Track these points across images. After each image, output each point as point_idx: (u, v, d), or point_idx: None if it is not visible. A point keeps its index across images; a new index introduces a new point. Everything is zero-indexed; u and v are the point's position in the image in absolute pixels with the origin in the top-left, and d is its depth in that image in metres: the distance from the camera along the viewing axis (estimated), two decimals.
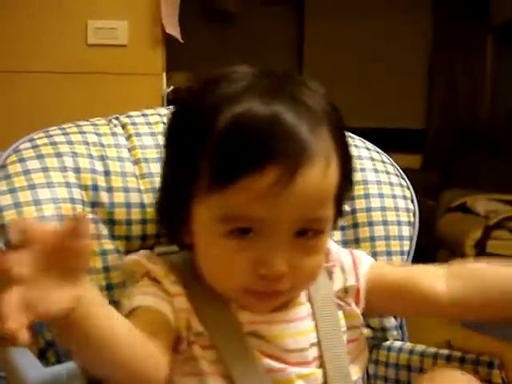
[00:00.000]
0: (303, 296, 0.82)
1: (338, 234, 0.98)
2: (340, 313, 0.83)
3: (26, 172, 0.83)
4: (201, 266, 0.77)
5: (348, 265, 0.85)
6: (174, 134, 0.78)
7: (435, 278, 0.82)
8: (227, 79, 0.73)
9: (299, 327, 0.79)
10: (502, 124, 4.55)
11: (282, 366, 0.76)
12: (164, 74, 1.99)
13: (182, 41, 2.01)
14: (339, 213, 0.80)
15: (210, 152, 0.70)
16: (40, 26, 1.91)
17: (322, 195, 0.72)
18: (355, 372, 0.82)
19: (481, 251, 3.20)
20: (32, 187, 0.82)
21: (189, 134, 0.73)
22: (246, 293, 0.74)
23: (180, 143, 0.76)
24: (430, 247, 3.82)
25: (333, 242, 0.90)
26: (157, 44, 1.94)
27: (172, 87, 2.12)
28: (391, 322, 0.97)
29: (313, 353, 0.78)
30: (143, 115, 0.96)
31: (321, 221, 0.73)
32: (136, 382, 0.68)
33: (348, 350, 0.82)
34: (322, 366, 0.78)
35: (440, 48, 4.86)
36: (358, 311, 0.84)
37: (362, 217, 0.98)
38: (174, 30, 1.98)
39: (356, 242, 0.97)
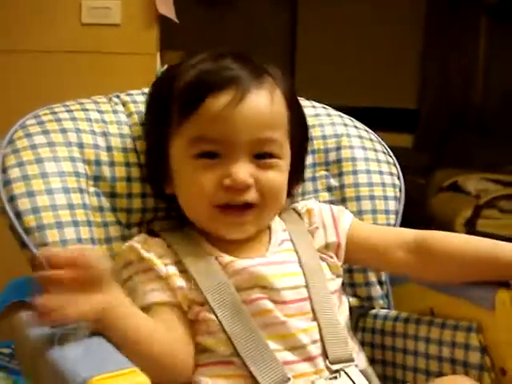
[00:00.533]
0: (289, 244, 0.90)
1: None
2: (324, 264, 0.91)
3: (33, 147, 0.87)
4: (181, 202, 0.88)
5: (328, 221, 0.94)
6: (149, 102, 0.94)
7: (402, 245, 0.92)
8: (189, 58, 0.90)
9: (289, 269, 0.87)
10: (494, 105, 4.57)
11: (280, 316, 0.82)
12: (158, 54, 1.99)
13: (177, 21, 2.02)
14: (298, 156, 0.94)
15: (177, 96, 0.86)
16: (34, 5, 1.89)
17: (270, 118, 0.86)
18: (342, 321, 0.89)
19: (471, 230, 3.22)
20: (39, 161, 0.86)
21: (160, 94, 0.90)
22: (219, 211, 0.84)
23: (154, 103, 0.92)
24: (422, 227, 3.85)
25: (313, 200, 0.99)
26: (151, 23, 1.92)
27: (166, 66, 2.13)
28: (378, 291, 1.03)
29: (306, 306, 0.85)
30: (143, 93, 1.00)
31: (272, 142, 0.86)
32: (166, 374, 0.77)
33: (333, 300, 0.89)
34: (315, 318, 0.85)
35: (433, 28, 4.86)
36: (339, 263, 0.93)
37: (350, 192, 1.03)
38: (168, 11, 1.98)
39: None
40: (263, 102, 0.85)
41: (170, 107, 0.86)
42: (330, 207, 0.97)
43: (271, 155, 0.86)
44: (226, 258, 0.85)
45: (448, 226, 3.33)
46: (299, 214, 0.95)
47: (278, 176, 0.87)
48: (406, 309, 0.99)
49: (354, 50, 4.87)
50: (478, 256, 0.86)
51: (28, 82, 1.90)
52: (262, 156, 0.85)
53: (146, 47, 1.93)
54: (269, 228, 0.92)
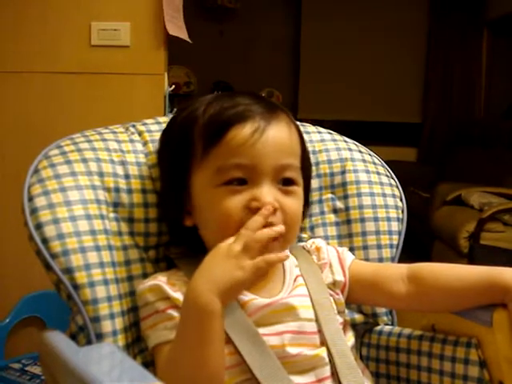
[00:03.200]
0: (301, 279, 0.93)
1: (333, 229, 1.09)
2: (331, 299, 0.95)
3: (57, 176, 0.92)
4: (204, 232, 0.91)
5: (335, 262, 0.98)
6: (166, 141, 0.97)
7: (398, 280, 0.94)
8: (199, 98, 0.95)
9: (304, 302, 0.91)
10: (496, 119, 4.61)
11: (293, 352, 0.86)
12: (166, 74, 2.02)
13: (190, 41, 2.05)
14: (307, 185, 0.97)
15: (200, 129, 0.90)
16: (45, 27, 1.92)
17: (290, 145, 0.92)
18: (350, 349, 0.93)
19: (474, 243, 3.24)
20: (63, 190, 0.90)
21: (180, 132, 0.93)
22: None
23: (174, 141, 0.94)
24: (426, 239, 3.88)
25: (320, 240, 1.02)
26: (159, 45, 1.96)
27: (174, 86, 2.17)
28: (382, 308, 1.07)
29: (317, 339, 0.89)
30: (157, 123, 1.05)
31: (292, 168, 0.91)
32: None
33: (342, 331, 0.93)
34: (326, 349, 0.89)
35: (436, 44, 4.90)
36: (343, 300, 0.97)
37: (354, 213, 1.08)
38: (179, 32, 2.01)
39: (349, 237, 1.08)
40: (284, 131, 0.91)
41: (193, 141, 0.90)
42: (336, 248, 1.01)
43: (292, 181, 0.91)
44: (245, 297, 0.88)
45: (451, 239, 3.36)
46: (308, 251, 0.99)
47: (296, 203, 0.91)
48: (408, 325, 1.03)
49: (359, 65, 4.93)
50: (471, 284, 0.88)
51: (39, 102, 1.93)
52: (283, 182, 0.90)
53: (155, 68, 1.97)
54: (282, 264, 0.95)
